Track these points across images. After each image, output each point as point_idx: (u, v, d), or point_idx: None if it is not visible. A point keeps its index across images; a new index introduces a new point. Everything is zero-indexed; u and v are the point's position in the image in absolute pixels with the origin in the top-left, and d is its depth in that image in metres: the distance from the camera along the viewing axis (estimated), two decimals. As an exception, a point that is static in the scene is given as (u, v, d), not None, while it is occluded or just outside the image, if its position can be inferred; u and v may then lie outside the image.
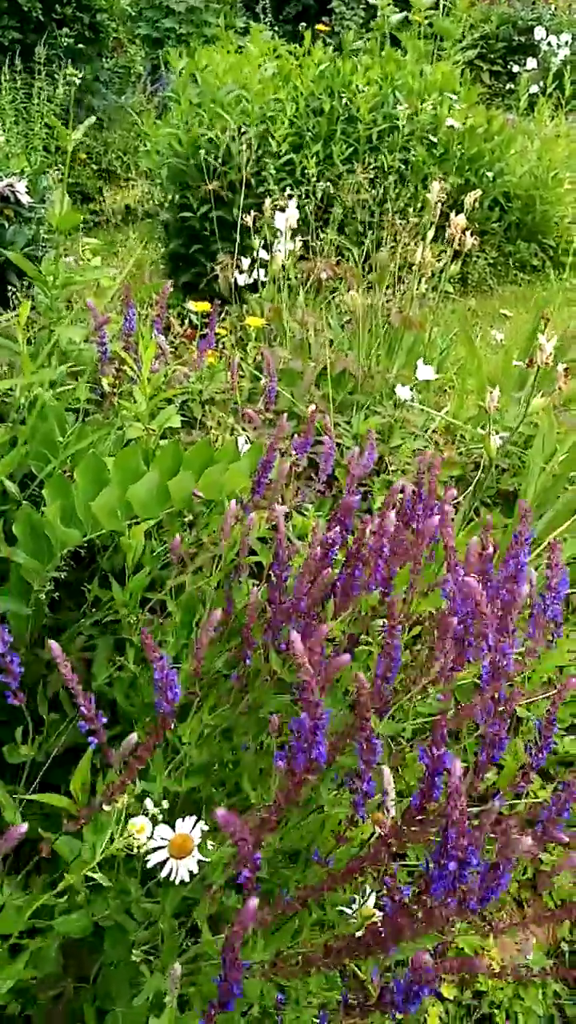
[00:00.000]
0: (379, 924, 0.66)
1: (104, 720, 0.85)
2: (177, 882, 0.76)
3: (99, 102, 5.20)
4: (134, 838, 0.75)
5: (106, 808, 0.72)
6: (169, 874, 0.76)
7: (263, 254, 2.37)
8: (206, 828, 0.79)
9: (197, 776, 0.85)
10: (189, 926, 0.80)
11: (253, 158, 3.36)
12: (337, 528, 0.83)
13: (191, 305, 2.11)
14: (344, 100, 3.70)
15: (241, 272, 2.37)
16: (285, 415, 1.03)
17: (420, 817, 0.63)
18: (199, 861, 0.77)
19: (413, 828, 0.63)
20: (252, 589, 0.85)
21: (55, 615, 1.13)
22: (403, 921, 0.60)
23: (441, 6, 5.24)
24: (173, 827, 0.80)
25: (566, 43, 6.15)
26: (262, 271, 2.39)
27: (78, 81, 0.99)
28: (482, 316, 3.72)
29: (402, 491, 0.94)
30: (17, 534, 0.96)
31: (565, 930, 1.25)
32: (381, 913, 0.73)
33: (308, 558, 0.84)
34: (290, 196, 2.68)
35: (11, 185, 2.15)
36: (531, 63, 6.06)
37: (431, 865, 0.62)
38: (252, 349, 1.92)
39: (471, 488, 1.82)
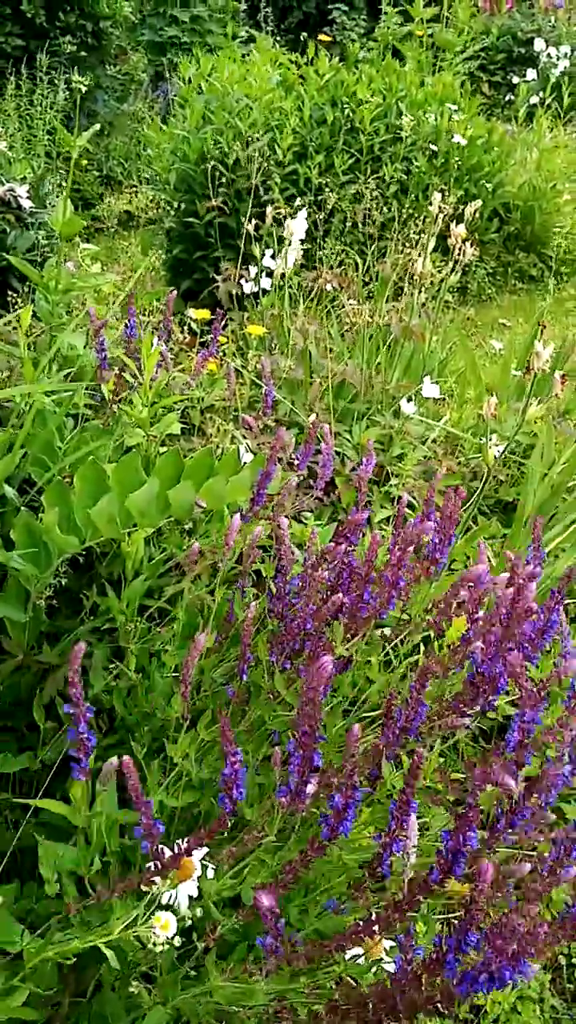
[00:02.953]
0: (389, 984, 0.64)
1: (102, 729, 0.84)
2: (177, 906, 0.74)
3: (101, 109, 5.21)
4: (155, 933, 0.69)
5: (144, 888, 0.68)
6: (169, 900, 0.74)
7: (270, 263, 2.37)
8: (207, 851, 0.77)
9: (194, 791, 0.84)
10: (191, 953, 0.78)
11: (260, 167, 3.38)
12: (343, 547, 0.83)
13: (192, 312, 2.11)
14: (347, 111, 3.72)
15: (247, 280, 2.38)
16: (283, 427, 1.03)
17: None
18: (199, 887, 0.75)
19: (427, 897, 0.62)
20: (251, 604, 0.84)
21: (53, 622, 1.12)
22: (414, 996, 0.59)
23: (443, 18, 5.28)
24: (173, 849, 0.79)
25: (565, 55, 6.19)
26: (265, 279, 2.39)
27: (84, 88, 0.99)
28: (481, 326, 3.72)
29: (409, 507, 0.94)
30: (15, 540, 0.96)
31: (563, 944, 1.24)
32: (392, 969, 0.71)
33: (309, 574, 0.84)
34: (300, 206, 2.68)
35: (12, 190, 2.15)
36: (531, 74, 6.10)
37: (444, 947, 0.61)
38: (252, 357, 1.92)
39: (473, 497, 1.82)
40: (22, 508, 1.03)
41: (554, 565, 1.62)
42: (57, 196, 2.54)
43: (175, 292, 1.41)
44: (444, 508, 0.94)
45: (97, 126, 1.12)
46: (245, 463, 0.94)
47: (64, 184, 3.24)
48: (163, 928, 0.71)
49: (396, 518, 1.00)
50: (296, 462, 1.04)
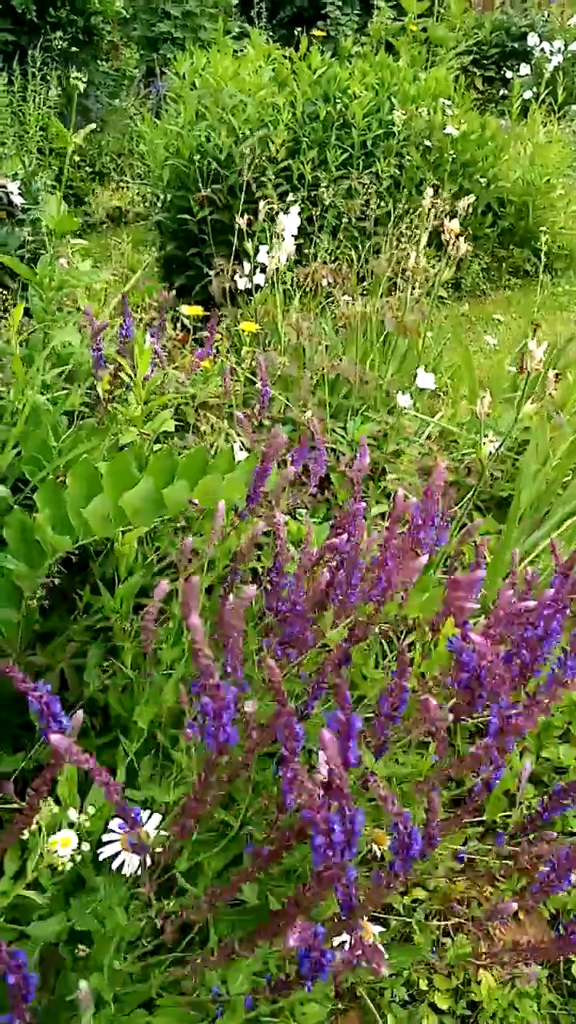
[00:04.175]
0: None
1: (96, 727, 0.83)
2: (128, 874, 0.75)
3: (93, 105, 5.19)
4: (57, 855, 0.73)
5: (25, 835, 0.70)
6: (120, 865, 0.75)
7: (264, 259, 2.36)
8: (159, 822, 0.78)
9: (187, 785, 0.84)
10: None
11: (254, 163, 3.36)
12: (344, 536, 0.82)
13: (185, 309, 2.10)
14: (339, 106, 3.70)
15: (240, 277, 2.37)
16: (278, 424, 1.03)
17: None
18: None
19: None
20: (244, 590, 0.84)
21: (46, 621, 1.11)
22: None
23: (435, 13, 5.27)
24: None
25: (559, 49, 6.18)
26: (258, 275, 2.38)
27: (83, 86, 0.98)
28: (475, 321, 3.72)
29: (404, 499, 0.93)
30: (8, 539, 0.95)
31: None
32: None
33: (306, 569, 0.83)
34: (293, 202, 2.67)
35: (4, 186, 2.14)
36: (524, 69, 6.09)
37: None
38: (246, 354, 1.92)
39: (468, 494, 1.82)
40: (15, 506, 1.03)
41: (550, 559, 1.62)
42: (50, 192, 2.52)
43: (170, 289, 1.41)
44: (428, 489, 0.93)
45: (93, 124, 1.11)
46: (239, 461, 0.94)
47: (57, 180, 3.23)
48: (64, 844, 0.75)
49: (391, 512, 0.99)
50: (291, 459, 1.03)
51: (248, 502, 0.92)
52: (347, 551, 0.85)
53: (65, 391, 1.09)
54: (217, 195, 3.40)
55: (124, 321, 1.12)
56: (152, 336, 1.31)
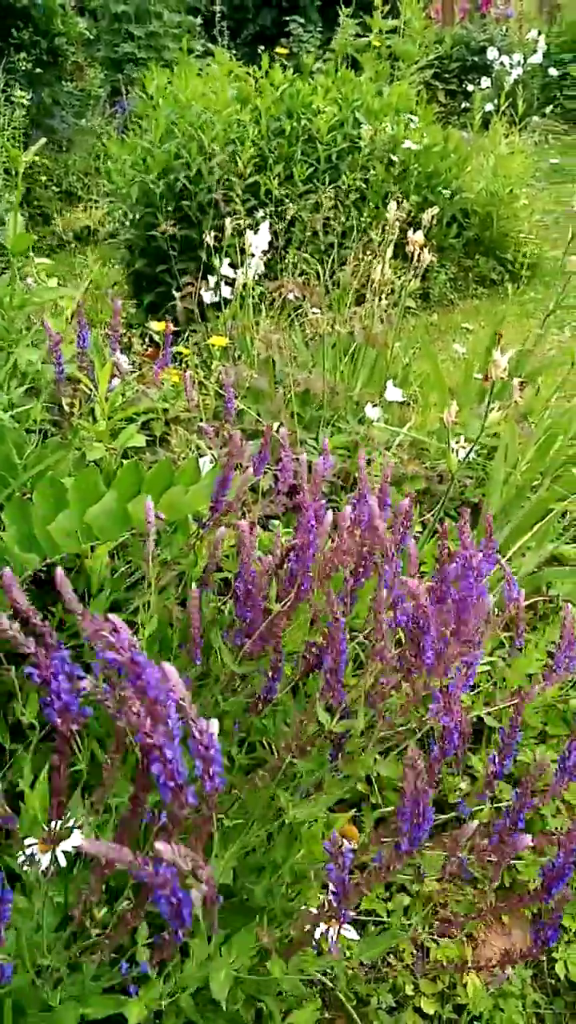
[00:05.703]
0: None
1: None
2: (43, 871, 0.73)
3: (59, 125, 5.21)
4: None
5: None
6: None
7: (228, 272, 2.38)
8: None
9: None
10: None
11: (222, 179, 3.39)
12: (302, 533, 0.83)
13: (154, 325, 2.11)
14: (304, 122, 3.74)
15: (208, 290, 2.38)
16: (247, 436, 1.03)
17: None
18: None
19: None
20: (193, 589, 0.85)
21: (18, 640, 1.11)
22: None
23: (400, 30, 5.35)
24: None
25: (518, 63, 6.30)
26: (227, 290, 2.39)
27: (27, 103, 1.00)
28: (444, 330, 3.77)
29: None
30: (-24, 559, 0.95)
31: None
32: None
33: (266, 562, 0.84)
34: (262, 219, 2.70)
35: (-32, 208, 2.14)
36: (485, 82, 6.21)
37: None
38: (216, 368, 1.93)
39: (440, 500, 1.84)
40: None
41: (520, 563, 1.64)
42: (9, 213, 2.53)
43: (135, 305, 1.41)
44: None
45: (43, 140, 1.12)
46: (205, 472, 0.94)
47: (24, 201, 3.22)
48: None
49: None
50: (253, 465, 1.04)
51: (211, 512, 0.93)
52: (304, 538, 0.85)
53: (28, 407, 1.09)
54: (187, 211, 3.42)
55: (80, 333, 1.12)
56: (115, 351, 1.32)
